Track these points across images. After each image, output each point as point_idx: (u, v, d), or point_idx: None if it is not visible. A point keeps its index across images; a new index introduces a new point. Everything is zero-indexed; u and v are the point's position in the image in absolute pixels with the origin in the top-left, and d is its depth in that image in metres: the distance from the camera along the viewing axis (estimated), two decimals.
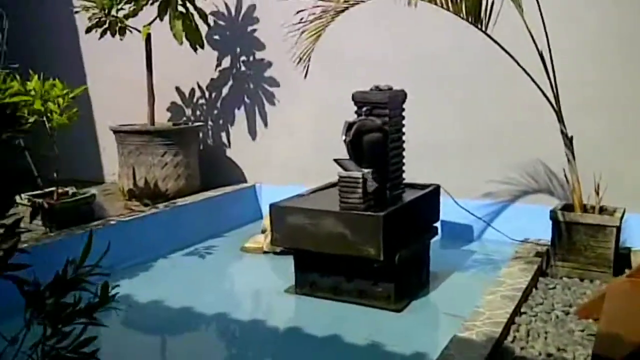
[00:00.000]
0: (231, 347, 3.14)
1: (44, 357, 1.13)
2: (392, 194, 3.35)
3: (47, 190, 4.08)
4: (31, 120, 3.79)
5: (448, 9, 3.37)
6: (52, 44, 6.13)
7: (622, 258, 3.45)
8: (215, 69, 5.39)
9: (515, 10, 3.35)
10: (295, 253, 3.44)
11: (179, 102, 5.59)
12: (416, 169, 3.68)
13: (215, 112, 5.46)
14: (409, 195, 3.50)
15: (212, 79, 5.42)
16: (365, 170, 3.18)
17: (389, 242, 3.07)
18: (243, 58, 5.28)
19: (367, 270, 3.18)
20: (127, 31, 4.76)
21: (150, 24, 4.74)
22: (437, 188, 3.76)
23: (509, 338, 2.57)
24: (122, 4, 4.68)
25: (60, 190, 4.05)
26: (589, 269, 3.34)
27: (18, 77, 3.74)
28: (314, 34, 3.53)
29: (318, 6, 3.50)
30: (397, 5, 3.44)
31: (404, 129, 3.47)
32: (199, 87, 5.49)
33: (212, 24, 5.17)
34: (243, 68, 5.29)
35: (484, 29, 3.38)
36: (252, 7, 5.14)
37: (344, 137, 3.18)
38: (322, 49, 3.64)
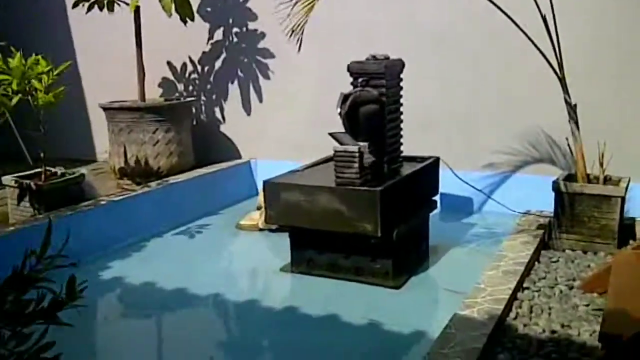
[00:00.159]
0: (227, 328, 3.07)
1: None
2: (389, 167, 3.25)
3: (35, 171, 3.97)
4: (15, 99, 3.66)
5: None
6: (40, 19, 5.94)
7: (626, 229, 3.36)
8: (207, 42, 5.23)
9: None
10: (290, 230, 3.35)
11: (171, 77, 5.45)
12: (414, 141, 3.57)
13: (208, 86, 5.32)
14: (407, 169, 3.40)
15: (204, 52, 5.27)
16: (362, 144, 3.07)
17: (386, 218, 2.98)
18: (235, 29, 5.12)
19: (364, 246, 3.09)
20: (115, 4, 4.60)
21: None
22: (437, 160, 3.65)
23: (511, 315, 2.49)
24: None
25: (49, 171, 3.94)
26: (592, 240, 3.25)
27: (0, 55, 3.61)
28: (308, 4, 3.38)
29: None
30: None
31: (401, 100, 3.36)
32: (191, 61, 5.34)
33: None
34: (236, 40, 5.14)
35: None
36: None
37: (339, 110, 3.07)
38: (317, 17, 3.50)
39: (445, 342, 2.15)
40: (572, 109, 3.35)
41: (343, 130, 3.15)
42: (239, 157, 5.26)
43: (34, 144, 3.94)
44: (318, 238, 3.22)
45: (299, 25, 3.44)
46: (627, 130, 3.84)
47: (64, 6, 5.71)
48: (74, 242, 3.85)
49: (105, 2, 4.56)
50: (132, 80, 4.85)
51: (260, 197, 4.04)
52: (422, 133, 4.09)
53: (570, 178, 3.45)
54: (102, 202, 3.95)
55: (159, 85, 5.47)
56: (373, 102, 3.12)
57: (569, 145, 3.50)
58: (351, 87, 3.18)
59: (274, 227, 3.94)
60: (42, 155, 3.89)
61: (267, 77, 5.03)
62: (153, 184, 4.42)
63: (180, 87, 5.43)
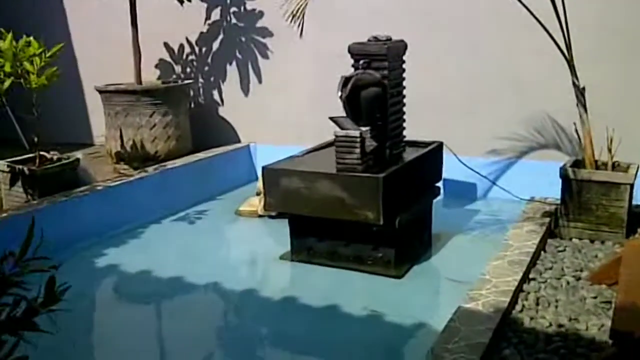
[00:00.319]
0: (225, 318, 2.99)
1: None
2: (392, 153, 3.15)
3: (28, 155, 3.88)
4: (7, 83, 3.56)
5: None
6: (34, 1, 5.81)
7: (635, 217, 3.26)
8: (205, 22, 5.10)
9: None
10: (290, 218, 3.26)
11: (168, 58, 5.33)
12: (417, 125, 3.46)
13: (206, 68, 5.20)
14: (410, 154, 3.30)
15: (201, 33, 5.14)
16: (363, 129, 2.97)
17: (389, 205, 2.89)
18: (234, 9, 4.99)
19: (366, 234, 3.01)
20: None
21: None
22: (440, 145, 3.55)
23: (517, 307, 2.40)
24: None
25: (44, 157, 3.85)
26: (600, 229, 3.16)
27: None
28: None
29: None
30: None
31: (404, 83, 3.25)
32: (188, 42, 5.22)
33: None
34: (234, 20, 5.01)
35: None
36: None
37: (339, 93, 2.96)
38: None
39: (450, 337, 2.07)
40: (580, 93, 3.24)
41: (344, 114, 3.05)
42: (238, 141, 5.16)
43: (29, 128, 3.84)
44: (318, 226, 3.14)
45: (299, 9, 3.31)
46: (636, 115, 3.73)
47: None
48: (68, 228, 3.77)
49: None
50: (128, 62, 4.74)
51: (260, 183, 3.94)
52: (425, 117, 3.98)
53: (577, 164, 3.35)
54: (98, 188, 3.86)
55: (156, 67, 5.36)
56: (375, 85, 3.01)
57: (576, 130, 3.40)
58: (352, 70, 3.08)
59: (273, 213, 3.85)
60: (35, 139, 3.79)
61: (266, 57, 4.91)
62: (150, 169, 4.33)
63: (178, 69, 5.31)
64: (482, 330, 2.11)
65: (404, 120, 3.31)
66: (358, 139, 2.93)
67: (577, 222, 3.21)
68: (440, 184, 3.60)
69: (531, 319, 2.31)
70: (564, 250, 3.03)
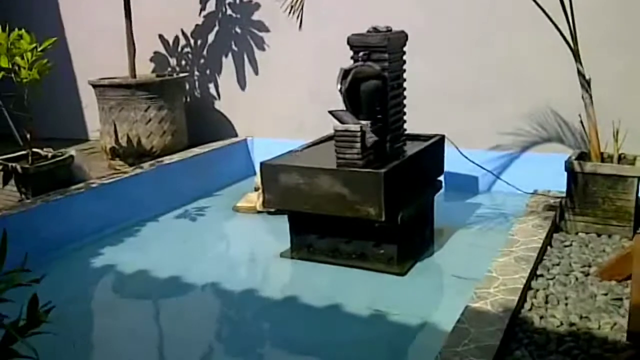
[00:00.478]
0: (225, 317, 2.91)
1: None
2: (393, 147, 3.08)
3: (21, 153, 3.79)
4: None
5: None
6: None
7: None
8: (200, 14, 5.00)
9: None
10: (290, 214, 3.18)
11: (163, 51, 5.22)
12: (418, 119, 3.38)
13: (202, 61, 5.11)
14: (411, 148, 3.23)
15: (196, 25, 5.04)
16: (363, 122, 2.89)
17: (390, 201, 2.81)
18: (229, 0, 4.89)
19: (367, 231, 2.94)
20: None
21: None
22: (442, 139, 3.48)
23: (526, 306, 2.33)
24: None
25: (37, 154, 3.76)
26: (607, 223, 3.09)
27: None
28: None
29: None
30: None
31: (404, 75, 3.16)
32: (183, 34, 5.11)
33: None
34: (229, 11, 4.91)
35: None
36: None
37: (339, 86, 2.88)
38: None
39: (459, 339, 2.00)
40: (586, 83, 3.16)
41: (344, 108, 2.97)
42: (235, 135, 5.07)
43: (23, 123, 3.75)
44: (319, 222, 3.07)
45: (298, 1, 3.22)
46: None
47: None
48: (62, 227, 3.69)
49: None
50: (122, 56, 4.64)
51: (258, 178, 3.87)
52: (426, 110, 3.90)
53: (582, 157, 3.28)
54: (93, 185, 3.78)
55: (151, 60, 5.26)
56: (375, 78, 2.93)
57: (581, 122, 3.33)
58: (352, 62, 2.99)
59: (272, 209, 3.77)
60: (28, 136, 3.70)
61: (262, 49, 4.81)
62: (146, 165, 4.25)
63: (173, 61, 5.21)
64: (492, 332, 2.04)
65: (404, 114, 3.23)
66: (358, 134, 2.85)
67: (583, 216, 3.14)
68: (441, 178, 3.53)
69: (541, 318, 2.24)
70: (571, 244, 2.96)
